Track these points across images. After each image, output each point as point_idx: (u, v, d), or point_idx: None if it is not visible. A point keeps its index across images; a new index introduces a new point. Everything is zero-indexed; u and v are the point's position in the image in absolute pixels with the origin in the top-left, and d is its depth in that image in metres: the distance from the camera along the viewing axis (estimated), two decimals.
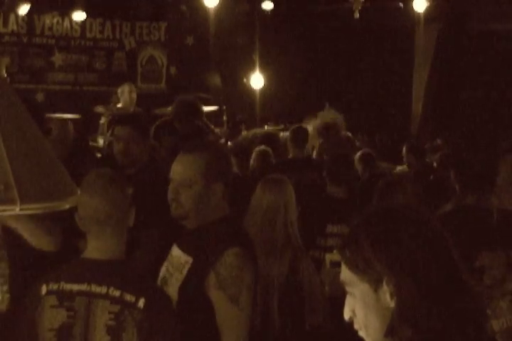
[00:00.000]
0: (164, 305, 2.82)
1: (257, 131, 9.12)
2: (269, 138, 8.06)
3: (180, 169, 3.12)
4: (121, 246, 2.92)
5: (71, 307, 2.82)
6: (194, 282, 3.09)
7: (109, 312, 2.77)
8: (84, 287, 2.82)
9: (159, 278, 3.24)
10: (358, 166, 7.19)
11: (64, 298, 2.83)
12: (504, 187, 4.14)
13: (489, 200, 3.64)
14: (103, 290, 2.79)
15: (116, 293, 2.78)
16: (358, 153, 7.37)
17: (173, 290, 3.11)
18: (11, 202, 1.44)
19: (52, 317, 2.84)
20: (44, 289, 2.88)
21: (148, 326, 2.75)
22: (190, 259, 3.13)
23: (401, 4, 11.74)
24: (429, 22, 11.53)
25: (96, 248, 2.90)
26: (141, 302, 2.75)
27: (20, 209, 1.44)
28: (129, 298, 2.76)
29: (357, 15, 10.71)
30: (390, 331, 1.73)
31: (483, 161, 3.67)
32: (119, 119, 4.44)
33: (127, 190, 2.96)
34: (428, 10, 10.99)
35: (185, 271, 3.12)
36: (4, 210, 1.47)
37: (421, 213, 1.81)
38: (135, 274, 2.92)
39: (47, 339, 2.85)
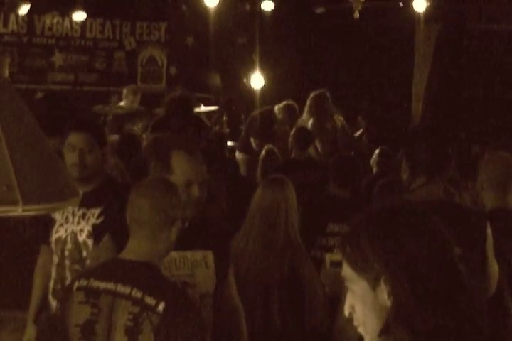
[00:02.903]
0: (184, 311, 2.79)
1: (254, 112, 9.36)
2: (267, 114, 8.47)
3: (201, 170, 3.38)
4: (157, 251, 2.92)
5: (96, 304, 2.84)
6: (224, 271, 3.43)
7: (129, 313, 2.78)
8: (110, 285, 2.84)
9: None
10: (374, 161, 7.24)
11: (90, 295, 2.86)
12: (485, 186, 4.16)
13: (438, 184, 3.66)
14: (127, 290, 2.80)
15: (138, 295, 2.78)
16: (377, 150, 7.43)
17: (208, 285, 3.32)
18: (13, 203, 1.45)
19: (78, 313, 2.87)
20: (76, 285, 2.92)
21: (166, 331, 2.73)
22: (208, 253, 3.36)
23: (401, 4, 11.73)
24: (429, 22, 11.52)
25: (132, 249, 2.93)
26: (160, 307, 2.75)
27: (23, 210, 1.45)
28: (149, 300, 2.76)
29: (357, 15, 10.69)
30: (385, 330, 1.74)
31: (434, 147, 3.70)
32: (74, 125, 4.03)
33: (178, 201, 2.96)
34: (428, 10, 10.97)
35: (210, 265, 3.37)
36: (6, 211, 1.47)
37: (423, 213, 1.81)
38: (161, 278, 2.91)
39: (73, 334, 2.88)
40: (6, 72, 9.95)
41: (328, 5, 12.30)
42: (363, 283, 1.76)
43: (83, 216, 3.87)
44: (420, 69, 12.42)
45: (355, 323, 1.81)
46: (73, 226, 3.87)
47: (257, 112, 9.48)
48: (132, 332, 2.76)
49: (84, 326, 2.85)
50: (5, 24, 11.87)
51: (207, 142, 6.88)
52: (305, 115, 8.77)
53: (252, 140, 9.11)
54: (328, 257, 4.90)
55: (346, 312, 1.81)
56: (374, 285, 1.74)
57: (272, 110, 9.28)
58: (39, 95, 11.82)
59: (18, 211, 1.45)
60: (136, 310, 2.76)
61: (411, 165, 3.69)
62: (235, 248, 4.51)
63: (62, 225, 3.90)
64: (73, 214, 3.88)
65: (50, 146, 1.62)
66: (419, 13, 11.10)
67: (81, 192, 1.60)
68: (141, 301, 2.77)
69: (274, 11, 12.01)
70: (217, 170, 6.27)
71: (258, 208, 4.46)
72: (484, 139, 9.68)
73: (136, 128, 9.53)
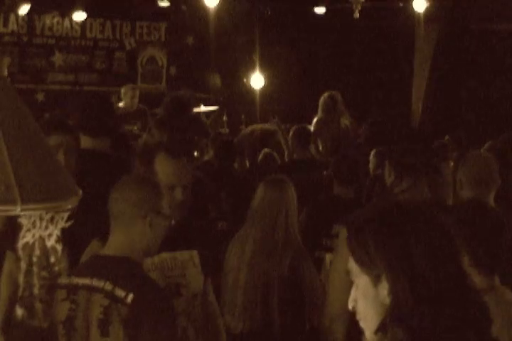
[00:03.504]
0: (154, 303, 2.82)
1: (256, 126, 9.17)
2: (268, 135, 8.27)
3: (185, 173, 3.38)
4: (132, 245, 2.95)
5: (74, 300, 2.88)
6: (207, 271, 3.45)
7: (101, 306, 2.81)
8: (87, 281, 2.88)
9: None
10: (372, 163, 7.21)
11: (70, 292, 2.90)
12: (464, 186, 4.16)
13: (423, 186, 3.67)
14: (100, 284, 2.84)
15: (109, 287, 2.81)
16: (373, 151, 7.39)
17: (198, 284, 3.36)
18: (11, 202, 1.44)
19: (60, 310, 2.91)
20: (59, 283, 2.95)
21: (135, 322, 2.76)
22: (194, 253, 3.39)
23: (401, 4, 11.73)
24: (429, 22, 11.52)
25: (110, 244, 2.98)
26: (129, 298, 2.77)
27: (21, 210, 1.44)
28: (119, 292, 2.79)
29: (357, 15, 10.70)
30: (382, 328, 1.74)
31: (418, 150, 3.71)
32: (54, 126, 3.93)
33: (152, 195, 2.99)
34: (428, 10, 10.98)
35: (197, 264, 3.40)
36: (5, 210, 1.46)
37: (432, 213, 1.81)
38: (134, 270, 2.93)
39: (59, 331, 2.92)
40: (5, 72, 9.95)
41: (328, 5, 12.29)
42: (365, 278, 1.77)
43: (51, 220, 3.82)
44: (420, 69, 12.42)
45: (357, 317, 1.82)
46: (41, 231, 3.81)
47: (258, 130, 9.06)
48: (103, 324, 2.79)
49: (65, 322, 2.89)
50: (5, 24, 11.86)
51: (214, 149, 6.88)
52: (318, 113, 8.78)
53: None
54: (328, 257, 4.90)
55: (350, 306, 1.82)
56: (376, 281, 1.75)
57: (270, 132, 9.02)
58: (39, 95, 11.84)
59: (16, 210, 1.44)
60: (106, 302, 2.80)
61: (396, 168, 3.69)
62: (235, 248, 4.51)
63: (29, 230, 3.84)
64: (41, 219, 3.82)
65: (49, 146, 1.61)
66: (419, 13, 11.10)
67: (81, 192, 1.60)
68: (111, 293, 2.80)
69: (274, 10, 12.01)
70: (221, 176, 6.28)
71: (258, 208, 4.46)
72: (483, 140, 9.66)
73: (136, 127, 9.53)
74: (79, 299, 2.87)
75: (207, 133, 7.68)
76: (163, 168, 3.32)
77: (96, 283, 2.84)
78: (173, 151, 3.41)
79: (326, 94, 8.88)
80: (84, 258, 3.32)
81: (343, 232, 3.83)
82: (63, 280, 2.95)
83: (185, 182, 3.33)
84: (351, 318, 3.58)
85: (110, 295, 2.79)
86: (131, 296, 2.76)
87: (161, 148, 3.45)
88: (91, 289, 2.85)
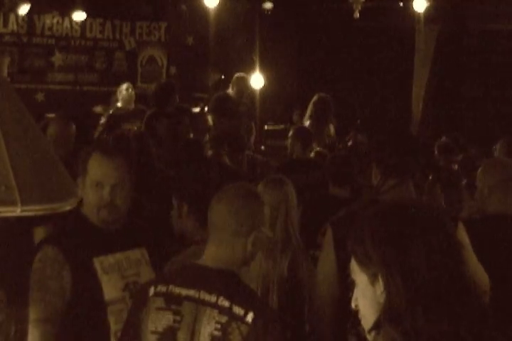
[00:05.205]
0: (271, 322, 2.76)
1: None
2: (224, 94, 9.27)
3: (114, 172, 3.32)
4: (234, 259, 2.88)
5: (178, 311, 2.79)
6: (157, 268, 3.48)
7: (216, 322, 2.73)
8: (192, 292, 2.79)
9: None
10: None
11: (171, 301, 2.81)
12: (494, 190, 4.18)
13: (408, 185, 3.68)
14: (212, 298, 2.76)
15: (226, 304, 2.74)
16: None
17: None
18: (11, 203, 1.44)
19: (157, 320, 2.81)
20: (152, 291, 2.86)
21: None
22: (143, 250, 3.46)
23: (401, 4, 11.74)
24: (429, 22, 11.53)
25: (211, 256, 2.89)
26: (249, 317, 2.70)
27: (21, 211, 1.44)
28: (238, 310, 2.72)
29: (357, 15, 10.70)
30: (375, 327, 1.74)
31: (402, 150, 3.72)
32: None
33: (260, 208, 2.94)
34: (428, 10, 10.98)
35: (148, 261, 3.47)
36: (5, 211, 1.46)
37: (433, 214, 1.81)
38: (245, 287, 2.88)
39: (148, 339, 2.82)
40: (5, 72, 9.94)
41: (328, 5, 12.30)
42: (364, 276, 1.78)
43: None
44: (420, 69, 12.43)
45: (359, 316, 1.82)
46: None
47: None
48: None
49: (164, 333, 2.79)
50: (5, 24, 11.85)
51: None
52: (306, 118, 8.80)
53: (209, 117, 9.30)
54: None
55: (353, 305, 1.83)
56: (373, 280, 1.76)
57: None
58: (39, 95, 11.84)
59: (16, 211, 1.44)
60: (223, 319, 2.72)
61: (381, 170, 3.70)
62: None
63: None
64: None
65: (48, 146, 1.62)
66: (419, 13, 11.11)
67: (80, 193, 1.60)
68: (229, 311, 2.72)
69: (274, 10, 12.01)
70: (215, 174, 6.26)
71: None
72: (483, 140, 9.68)
73: (137, 127, 9.52)
74: (184, 311, 2.77)
75: (192, 119, 7.86)
76: (95, 166, 3.32)
77: (206, 296, 2.76)
78: (107, 150, 3.41)
79: (316, 98, 8.82)
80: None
81: (328, 231, 3.86)
82: (158, 287, 2.85)
83: (113, 181, 3.30)
84: (337, 315, 3.59)
85: (228, 312, 2.72)
86: (251, 315, 2.70)
87: (97, 147, 3.47)
88: (199, 302, 2.76)
